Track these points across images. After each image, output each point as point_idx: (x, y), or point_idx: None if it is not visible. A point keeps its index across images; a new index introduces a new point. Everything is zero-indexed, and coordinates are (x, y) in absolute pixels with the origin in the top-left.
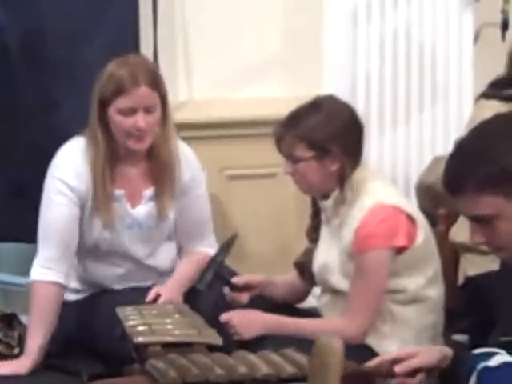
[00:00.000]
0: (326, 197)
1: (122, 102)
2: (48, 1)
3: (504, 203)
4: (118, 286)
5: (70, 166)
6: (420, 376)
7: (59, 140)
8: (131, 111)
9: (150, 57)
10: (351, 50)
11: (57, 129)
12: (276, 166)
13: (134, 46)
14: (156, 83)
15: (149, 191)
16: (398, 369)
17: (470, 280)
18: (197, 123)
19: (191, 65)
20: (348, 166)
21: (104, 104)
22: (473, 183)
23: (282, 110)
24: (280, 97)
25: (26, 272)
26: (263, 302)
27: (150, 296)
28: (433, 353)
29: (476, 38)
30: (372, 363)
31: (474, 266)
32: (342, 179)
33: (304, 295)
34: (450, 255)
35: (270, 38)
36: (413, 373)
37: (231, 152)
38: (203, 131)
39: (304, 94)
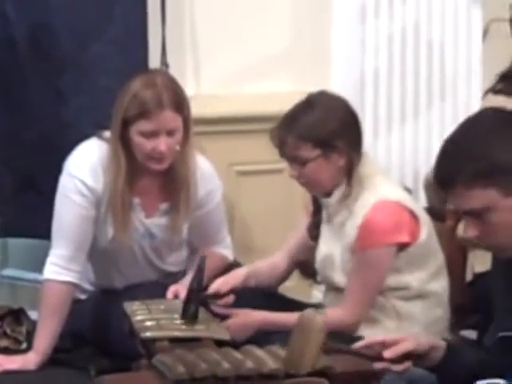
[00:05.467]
0: (327, 194)
1: (144, 125)
2: None
3: (495, 196)
4: (124, 284)
5: (90, 168)
6: (407, 364)
7: (68, 134)
8: (153, 134)
9: (158, 52)
10: (359, 46)
11: (66, 123)
12: (284, 162)
13: (143, 40)
14: (180, 106)
15: (164, 205)
16: (387, 354)
17: (478, 276)
18: (205, 118)
19: (199, 60)
20: (355, 158)
21: (126, 123)
22: (463, 178)
23: (290, 105)
24: (288, 92)
25: (34, 267)
26: (251, 294)
27: (169, 295)
28: (421, 340)
29: (485, 33)
30: (359, 344)
31: (482, 261)
32: (349, 173)
33: (285, 277)
34: (459, 251)
35: (278, 33)
36: (399, 359)
37: (240, 147)
38: (211, 126)
39: (312, 89)
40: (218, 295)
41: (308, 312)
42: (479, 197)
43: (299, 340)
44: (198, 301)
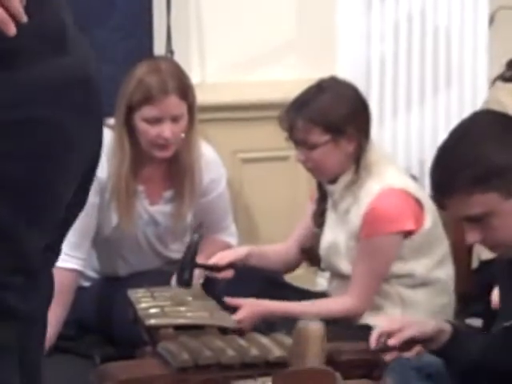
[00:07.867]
0: (333, 181)
1: (148, 111)
2: None
3: (496, 200)
4: (128, 271)
5: None
6: (417, 348)
7: None
8: (157, 120)
9: (163, 39)
10: (365, 33)
11: None
12: (289, 149)
13: (147, 28)
14: (185, 92)
15: (168, 192)
16: (391, 342)
17: (483, 263)
18: (210, 106)
19: (204, 47)
20: (364, 144)
21: (130, 109)
22: (463, 184)
23: (295, 92)
24: (293, 79)
25: None
26: (251, 275)
27: (174, 282)
28: (427, 324)
29: (491, 20)
30: (372, 339)
31: (487, 249)
32: (358, 159)
33: (295, 266)
34: (464, 238)
35: (283, 21)
36: (408, 345)
37: (244, 135)
38: (216, 114)
39: (317, 76)
40: (216, 268)
41: (303, 323)
42: (480, 202)
43: (300, 353)
44: (192, 266)
